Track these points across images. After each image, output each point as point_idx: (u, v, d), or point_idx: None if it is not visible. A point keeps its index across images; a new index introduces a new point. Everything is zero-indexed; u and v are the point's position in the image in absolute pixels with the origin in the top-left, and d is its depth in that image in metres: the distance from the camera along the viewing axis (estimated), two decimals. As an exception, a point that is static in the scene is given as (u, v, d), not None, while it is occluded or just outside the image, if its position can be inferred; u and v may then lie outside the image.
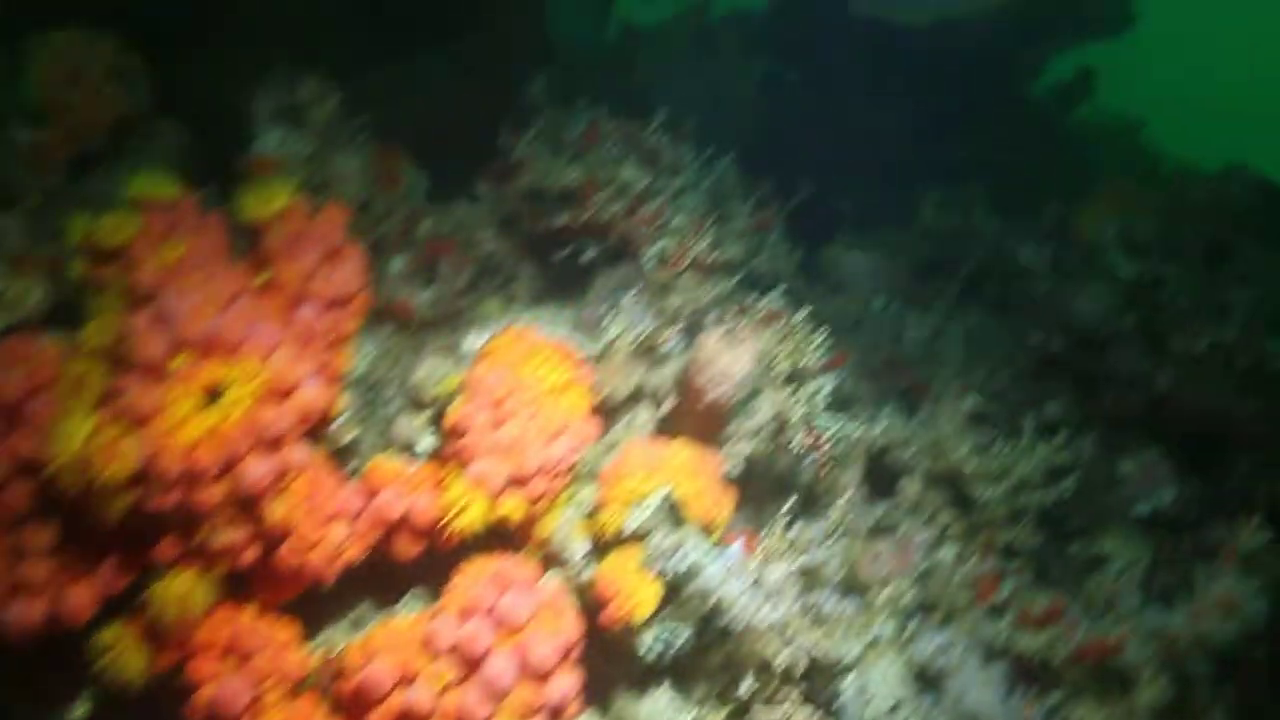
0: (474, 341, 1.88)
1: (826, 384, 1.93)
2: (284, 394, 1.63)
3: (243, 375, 1.59)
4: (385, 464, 1.81)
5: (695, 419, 1.83)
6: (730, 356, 1.75)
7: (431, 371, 1.85)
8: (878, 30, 3.90)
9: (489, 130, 2.40)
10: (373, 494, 1.78)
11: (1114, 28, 4.12)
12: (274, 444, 1.62)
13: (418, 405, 1.85)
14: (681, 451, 1.79)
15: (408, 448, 1.85)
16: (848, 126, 3.80)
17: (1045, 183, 3.69)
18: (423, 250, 2.17)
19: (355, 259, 1.86)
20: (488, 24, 3.82)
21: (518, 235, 2.21)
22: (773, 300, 2.01)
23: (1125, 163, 3.87)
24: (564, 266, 2.15)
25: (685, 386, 1.81)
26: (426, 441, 1.84)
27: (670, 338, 1.90)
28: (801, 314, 1.90)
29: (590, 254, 2.12)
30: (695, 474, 1.77)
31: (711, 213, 2.18)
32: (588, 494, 1.84)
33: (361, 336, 2.00)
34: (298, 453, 1.66)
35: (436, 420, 1.83)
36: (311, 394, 1.66)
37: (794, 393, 1.88)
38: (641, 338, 1.90)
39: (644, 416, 1.91)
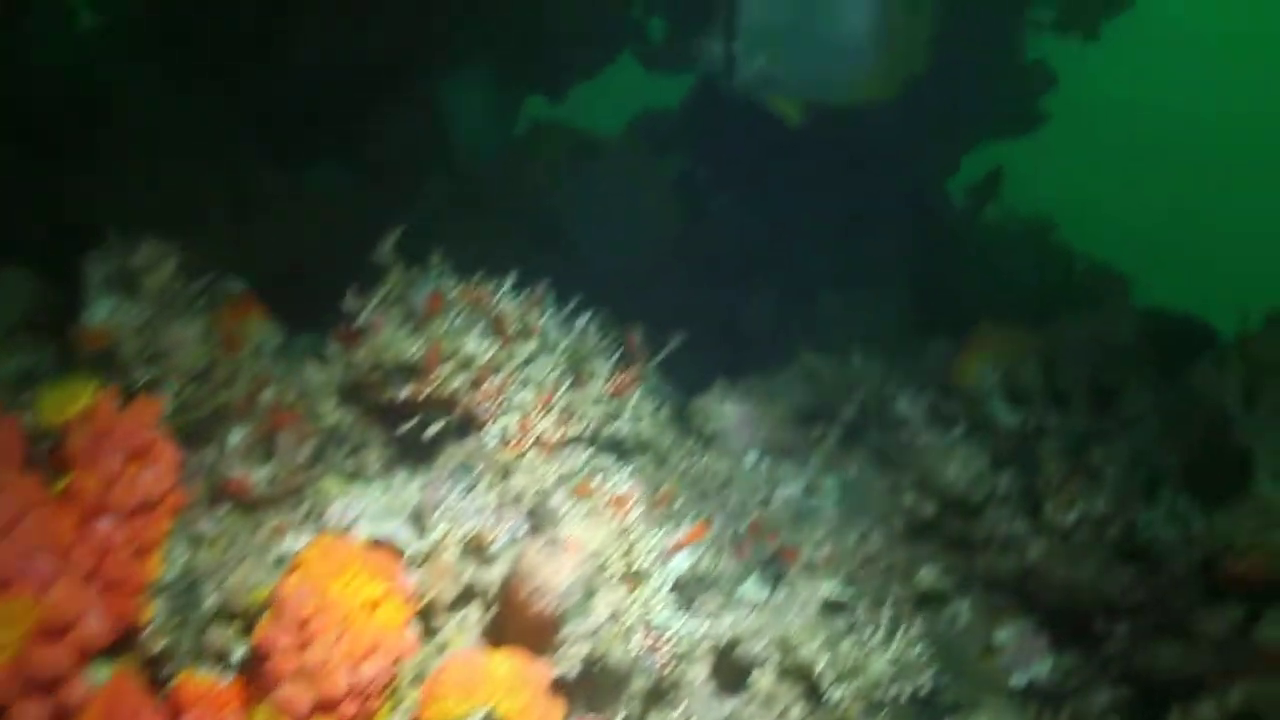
0: (291, 544, 1.78)
1: (672, 574, 1.84)
2: (61, 631, 1.52)
3: (12, 615, 1.49)
4: (193, 680, 1.70)
5: (523, 626, 1.74)
6: (551, 568, 1.66)
7: (245, 579, 1.75)
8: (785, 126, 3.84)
9: (353, 268, 2.30)
10: (177, 714, 1.68)
11: (1022, 127, 4.09)
12: (49, 686, 1.51)
13: (230, 615, 1.75)
14: (505, 663, 1.69)
15: (222, 658, 1.74)
16: (755, 227, 3.73)
17: (954, 289, 3.64)
18: (264, 421, 2.07)
19: (166, 457, 1.77)
20: (386, 130, 3.74)
21: (365, 404, 2.12)
22: (620, 482, 1.92)
23: (1038, 263, 3.82)
24: (411, 438, 2.06)
25: (509, 597, 1.72)
26: (240, 652, 1.74)
27: (501, 534, 1.81)
28: (639, 510, 1.81)
29: (436, 427, 2.03)
30: (519, 688, 1.68)
31: (566, 378, 2.09)
32: (413, 700, 1.74)
33: (193, 523, 1.91)
34: (78, 690, 1.55)
35: (250, 630, 1.73)
36: (94, 627, 1.56)
37: (632, 590, 1.79)
38: (471, 535, 1.81)
39: (475, 615, 1.82)
